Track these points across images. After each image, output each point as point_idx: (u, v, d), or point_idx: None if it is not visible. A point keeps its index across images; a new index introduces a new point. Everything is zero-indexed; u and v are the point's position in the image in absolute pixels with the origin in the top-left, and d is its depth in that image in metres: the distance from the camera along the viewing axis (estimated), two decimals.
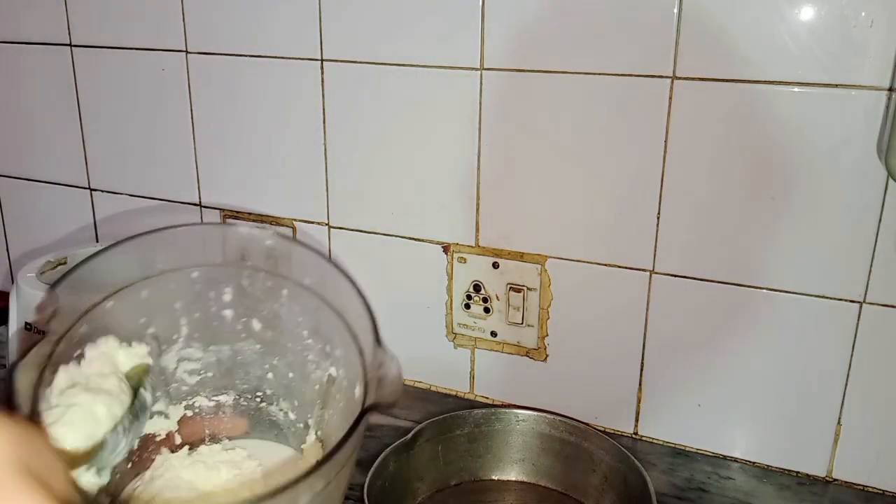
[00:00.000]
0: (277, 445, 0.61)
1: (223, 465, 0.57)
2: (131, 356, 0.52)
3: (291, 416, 0.61)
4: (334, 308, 0.54)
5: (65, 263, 0.80)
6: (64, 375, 0.47)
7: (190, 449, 0.59)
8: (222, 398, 0.61)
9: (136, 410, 0.48)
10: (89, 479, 0.45)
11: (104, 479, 0.47)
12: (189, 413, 0.60)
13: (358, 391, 0.50)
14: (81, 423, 0.45)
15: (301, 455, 0.59)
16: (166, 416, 0.59)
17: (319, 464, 0.41)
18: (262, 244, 0.56)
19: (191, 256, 0.57)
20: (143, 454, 0.57)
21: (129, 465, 0.56)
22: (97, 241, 1.08)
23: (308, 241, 0.93)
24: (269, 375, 0.61)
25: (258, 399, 0.61)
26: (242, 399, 0.61)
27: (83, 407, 0.46)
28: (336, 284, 0.52)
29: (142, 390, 0.49)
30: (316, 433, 0.58)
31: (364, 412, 0.44)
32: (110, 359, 0.51)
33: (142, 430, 0.51)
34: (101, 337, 0.51)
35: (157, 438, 0.58)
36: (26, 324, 0.71)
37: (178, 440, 0.59)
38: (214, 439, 0.61)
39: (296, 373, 0.59)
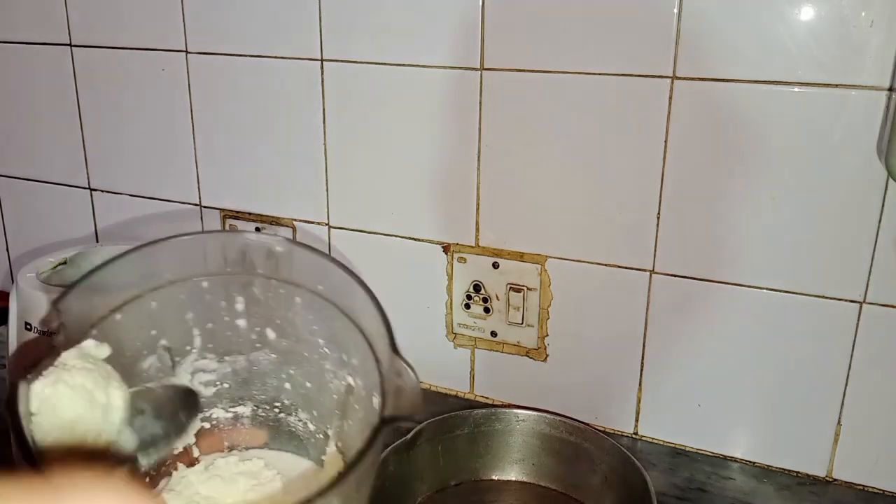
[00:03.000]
0: (295, 457, 0.60)
1: (241, 477, 0.56)
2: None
3: (311, 426, 0.60)
4: (348, 315, 0.52)
5: (65, 263, 0.80)
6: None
7: (206, 463, 0.58)
8: (240, 409, 0.60)
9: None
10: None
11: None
12: (207, 426, 0.59)
13: (376, 401, 0.49)
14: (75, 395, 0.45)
15: (321, 467, 0.58)
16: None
17: (337, 479, 0.41)
18: (271, 250, 0.55)
19: (198, 265, 0.55)
20: (160, 469, 0.56)
21: (147, 479, 0.55)
22: (97, 241, 1.08)
23: (312, 242, 0.94)
24: (287, 385, 0.59)
25: (276, 409, 0.60)
26: (260, 410, 0.60)
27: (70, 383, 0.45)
28: (348, 290, 0.51)
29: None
30: (336, 444, 0.57)
31: (381, 424, 0.43)
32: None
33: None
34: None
35: (175, 452, 0.57)
36: (26, 323, 0.71)
37: (196, 453, 0.58)
38: (233, 451, 0.60)
39: (313, 382, 0.58)
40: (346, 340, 0.54)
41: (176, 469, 0.57)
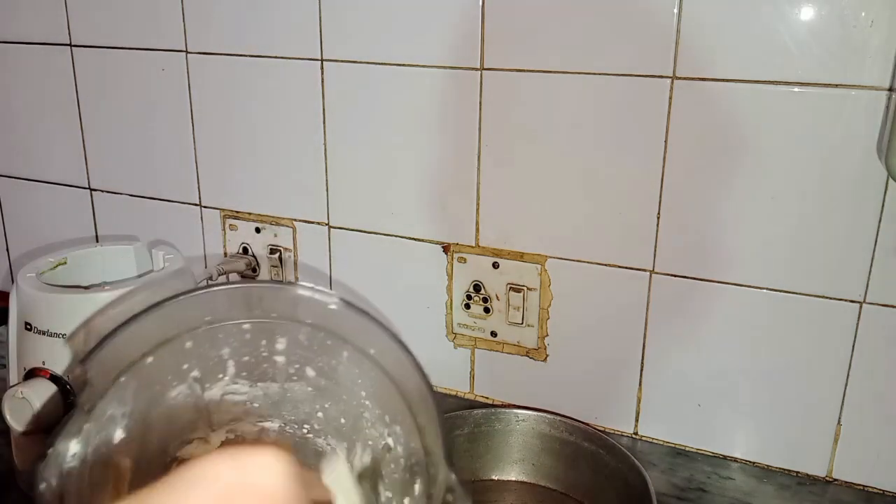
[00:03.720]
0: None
1: None
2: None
3: (340, 454, 0.59)
4: (401, 390, 0.52)
5: (65, 263, 0.80)
6: None
7: None
8: (267, 424, 0.59)
9: None
10: None
11: None
12: (231, 436, 0.58)
13: (418, 489, 0.49)
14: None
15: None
16: (206, 441, 0.57)
17: None
18: (323, 308, 0.53)
19: (240, 313, 0.54)
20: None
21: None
22: (97, 241, 1.08)
23: (312, 241, 0.94)
24: (320, 415, 0.58)
25: (305, 430, 0.59)
26: (288, 427, 0.59)
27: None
28: (403, 368, 0.51)
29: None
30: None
31: None
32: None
33: None
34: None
35: None
36: (26, 323, 0.71)
37: None
38: None
39: (348, 420, 0.57)
40: (390, 405, 0.53)
41: None
